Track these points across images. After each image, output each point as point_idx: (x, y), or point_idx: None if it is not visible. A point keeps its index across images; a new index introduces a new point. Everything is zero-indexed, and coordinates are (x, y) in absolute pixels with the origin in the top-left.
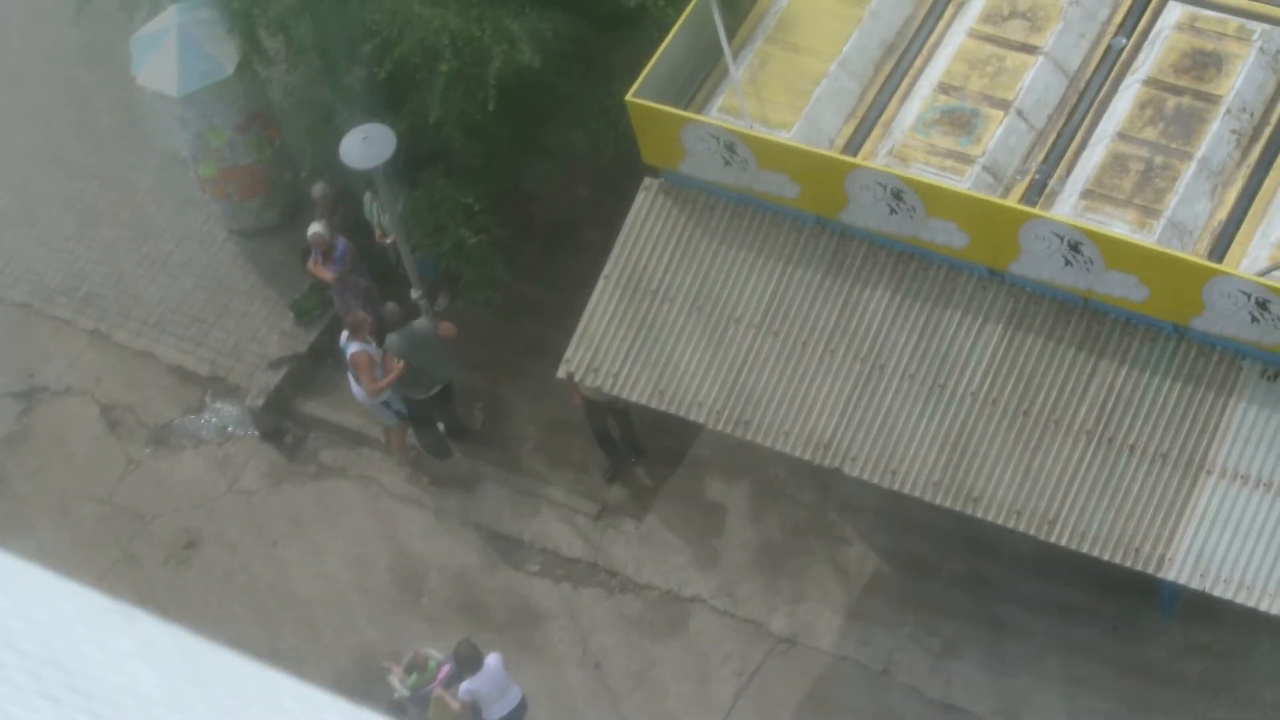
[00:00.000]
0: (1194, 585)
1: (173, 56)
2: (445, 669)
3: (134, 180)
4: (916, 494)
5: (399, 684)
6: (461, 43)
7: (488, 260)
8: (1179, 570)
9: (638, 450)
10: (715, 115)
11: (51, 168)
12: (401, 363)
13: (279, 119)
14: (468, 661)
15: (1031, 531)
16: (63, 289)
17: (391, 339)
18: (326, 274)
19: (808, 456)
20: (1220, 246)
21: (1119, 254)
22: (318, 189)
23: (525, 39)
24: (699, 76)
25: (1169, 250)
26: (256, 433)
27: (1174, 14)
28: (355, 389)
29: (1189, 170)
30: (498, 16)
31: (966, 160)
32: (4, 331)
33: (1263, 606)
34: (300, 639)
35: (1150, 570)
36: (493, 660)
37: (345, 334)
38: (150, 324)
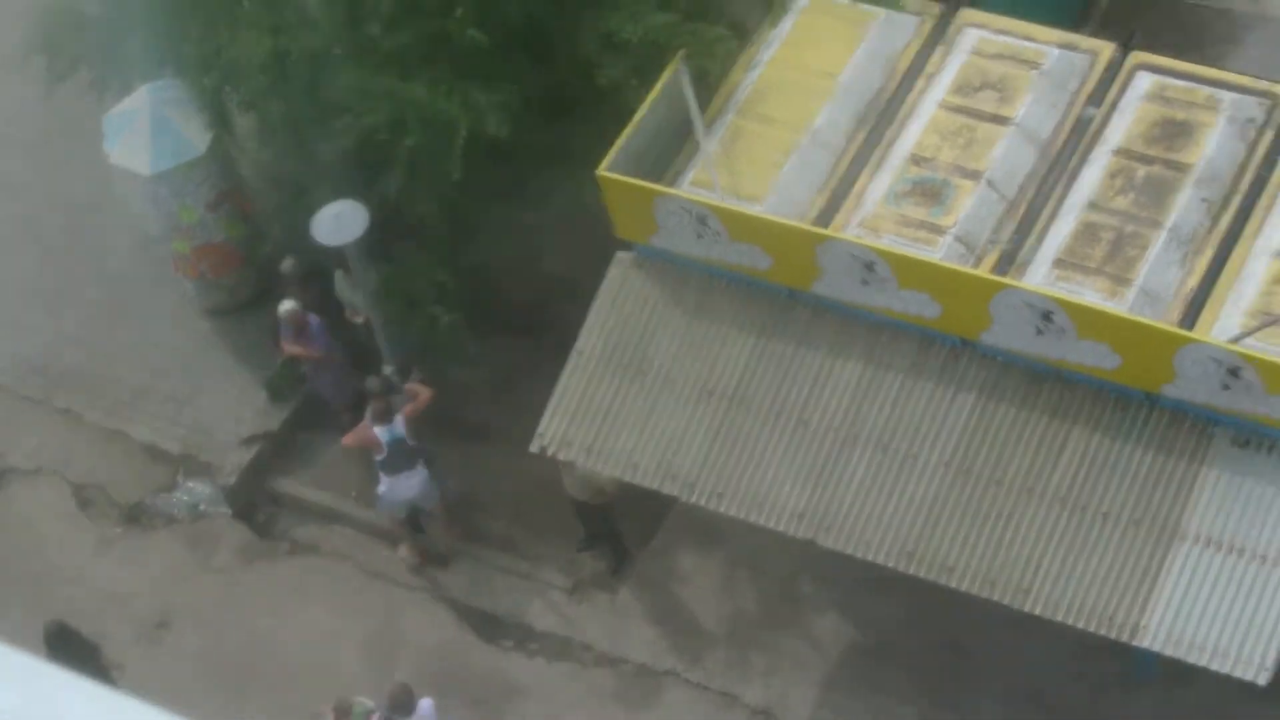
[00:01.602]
0: (1169, 652)
1: (145, 135)
2: (374, 718)
3: (106, 258)
4: (891, 564)
5: None
6: (428, 116)
7: (458, 337)
8: (1153, 638)
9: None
10: (687, 188)
11: (23, 244)
12: (429, 392)
13: (251, 196)
14: (401, 704)
15: (1006, 601)
16: (34, 368)
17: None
18: (312, 351)
19: (781, 528)
20: (1191, 314)
21: (1091, 322)
22: (286, 265)
23: (492, 110)
24: (671, 151)
25: (1141, 319)
26: (229, 511)
27: (1143, 84)
28: (383, 483)
29: (1160, 239)
30: (466, 89)
31: (938, 231)
32: None
33: (1237, 672)
34: (273, 716)
35: (1125, 638)
36: (425, 705)
37: (369, 416)
38: (123, 403)
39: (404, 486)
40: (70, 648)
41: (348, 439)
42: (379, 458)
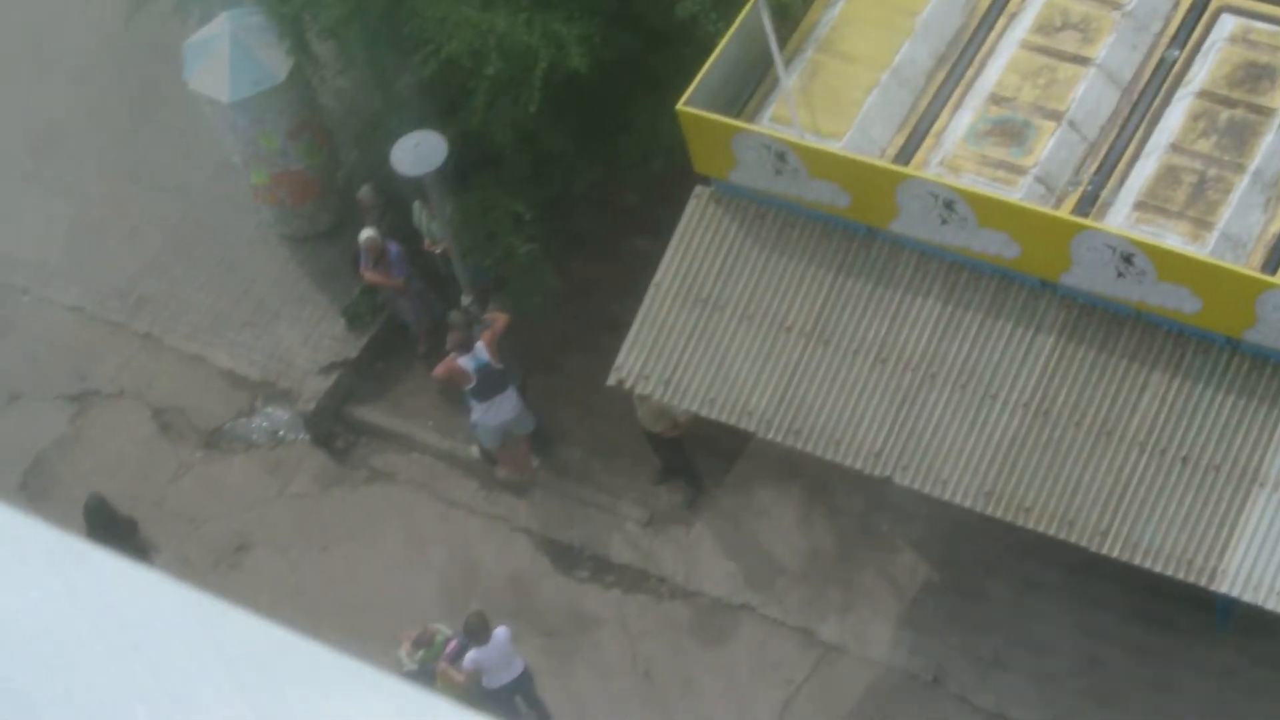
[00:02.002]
0: (1246, 598)
1: (224, 63)
2: (452, 644)
3: (187, 185)
4: (967, 504)
5: (407, 658)
6: (508, 46)
7: (537, 268)
8: (1231, 583)
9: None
10: (766, 124)
11: (107, 171)
12: (505, 317)
13: (330, 125)
14: (476, 632)
15: (1083, 543)
16: (116, 293)
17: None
18: (392, 279)
19: (858, 466)
20: (1274, 259)
21: (1172, 266)
22: (364, 192)
23: (573, 43)
24: (750, 86)
25: (1222, 263)
26: (307, 437)
27: (1227, 26)
28: (475, 411)
29: (1242, 183)
30: (546, 21)
31: (1019, 171)
32: (57, 335)
33: None
34: (348, 643)
35: (1202, 582)
36: (500, 632)
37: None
38: (202, 328)
39: (497, 410)
40: (107, 523)
41: (437, 370)
42: (468, 387)
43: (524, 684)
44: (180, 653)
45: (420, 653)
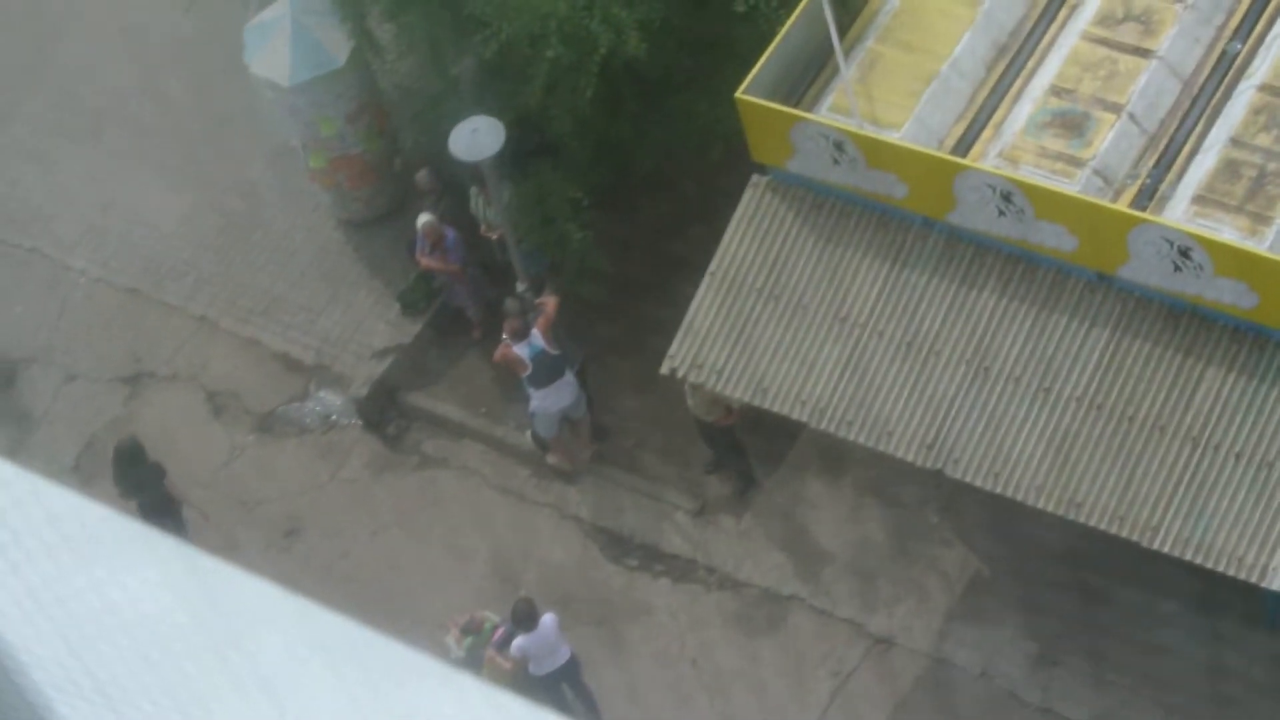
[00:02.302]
0: None
1: (285, 46)
2: (500, 631)
3: (245, 168)
4: (1020, 498)
5: (455, 645)
6: (568, 30)
7: (593, 255)
8: None
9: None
10: (825, 114)
11: (162, 154)
12: (554, 299)
13: (389, 109)
14: (524, 619)
15: (1134, 538)
16: (172, 275)
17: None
18: (449, 264)
19: (910, 458)
20: None
21: (1230, 260)
22: (421, 176)
23: (633, 28)
24: (809, 75)
25: None
26: (360, 422)
27: None
28: (533, 399)
29: None
30: (607, 5)
31: (1077, 163)
32: (113, 315)
33: None
34: (399, 628)
35: (1254, 580)
36: (548, 619)
37: (506, 336)
38: (257, 312)
39: (556, 397)
40: (137, 466)
41: (496, 355)
42: (525, 374)
43: (571, 672)
44: (276, 646)
45: (469, 640)
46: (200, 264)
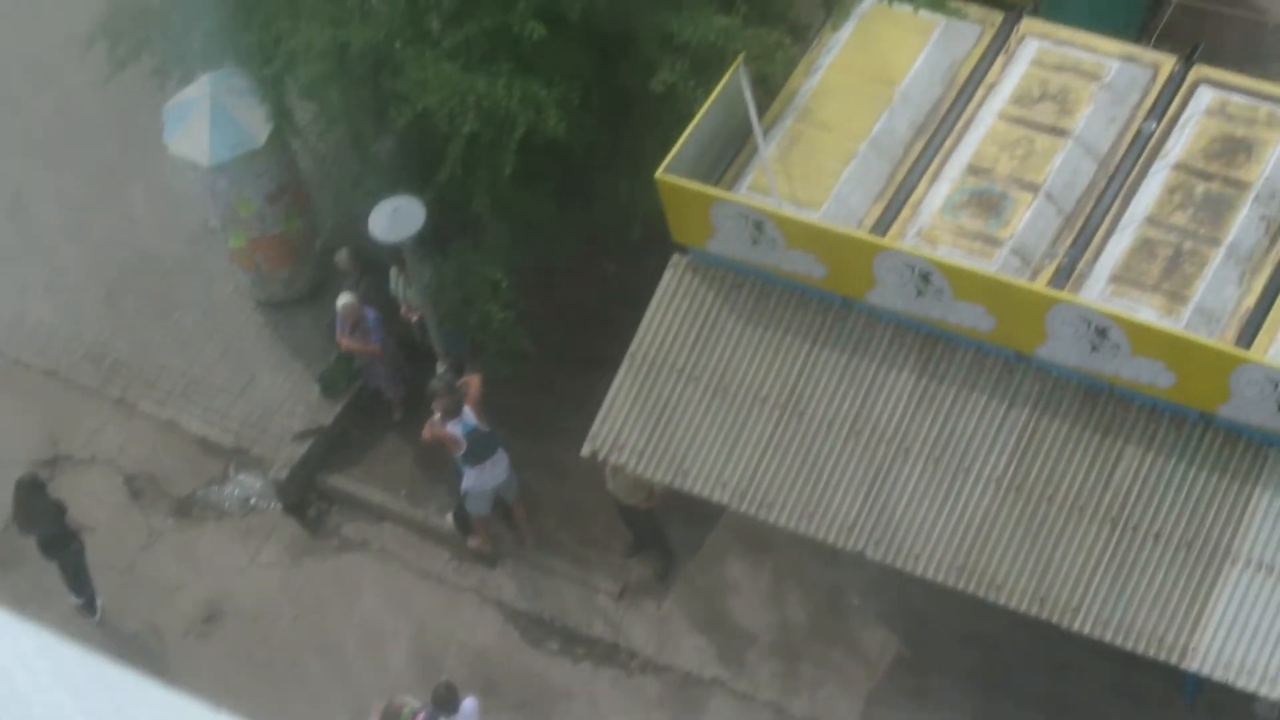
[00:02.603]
0: (1217, 677)
1: (204, 126)
2: (420, 716)
3: (162, 249)
4: (939, 579)
5: None
6: (486, 106)
7: (513, 336)
8: (1202, 661)
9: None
10: (744, 193)
11: (80, 235)
12: (477, 378)
13: (309, 190)
14: (445, 703)
15: (1054, 620)
16: (89, 357)
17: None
18: (368, 345)
19: (830, 539)
20: (1248, 334)
21: (1146, 340)
22: (341, 257)
23: (552, 106)
24: (729, 154)
25: (1196, 337)
26: (280, 505)
27: (1204, 99)
28: (467, 477)
29: (1217, 256)
30: (526, 84)
31: (995, 243)
32: (30, 399)
33: None
34: (319, 713)
35: (1174, 660)
36: (469, 704)
37: (438, 415)
38: (176, 394)
39: (490, 474)
40: (37, 501)
41: (425, 434)
42: (458, 453)
43: None
44: None
45: None
46: (118, 346)
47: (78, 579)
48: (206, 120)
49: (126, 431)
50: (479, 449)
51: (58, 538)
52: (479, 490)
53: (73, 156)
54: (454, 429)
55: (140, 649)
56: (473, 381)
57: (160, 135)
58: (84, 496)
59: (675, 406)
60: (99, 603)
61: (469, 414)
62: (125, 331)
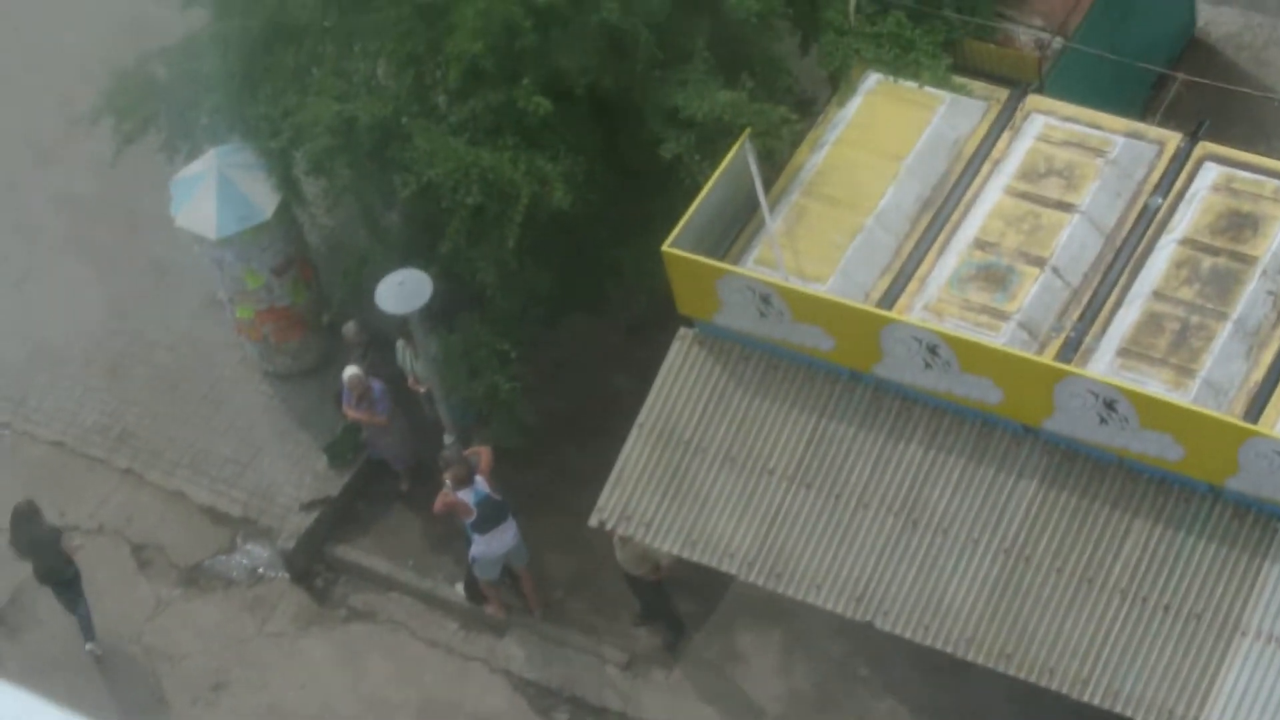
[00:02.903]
0: None
1: (211, 199)
2: None
3: (172, 320)
4: (949, 650)
5: None
6: (491, 178)
7: (519, 407)
8: None
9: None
10: (751, 267)
11: (89, 306)
12: (488, 449)
13: (316, 262)
14: None
15: (1064, 690)
16: (97, 428)
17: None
18: (375, 417)
19: (840, 610)
20: (1256, 407)
21: (1154, 413)
22: (349, 329)
23: (558, 179)
24: (735, 228)
25: (1205, 410)
26: (287, 575)
27: (1210, 175)
28: (476, 544)
29: (1225, 330)
30: (532, 157)
31: (1002, 316)
32: (37, 469)
33: None
34: None
35: None
36: None
37: (450, 483)
38: (183, 465)
39: (499, 542)
40: (33, 528)
41: (436, 506)
42: (469, 520)
43: None
44: None
45: None
46: (125, 416)
47: (75, 604)
48: (213, 194)
49: (134, 502)
50: (489, 516)
51: (54, 565)
52: (487, 557)
53: (83, 229)
54: (465, 496)
55: (149, 718)
56: (484, 452)
57: (167, 209)
58: (92, 566)
59: (683, 477)
60: (95, 642)
61: (481, 483)
62: (133, 403)
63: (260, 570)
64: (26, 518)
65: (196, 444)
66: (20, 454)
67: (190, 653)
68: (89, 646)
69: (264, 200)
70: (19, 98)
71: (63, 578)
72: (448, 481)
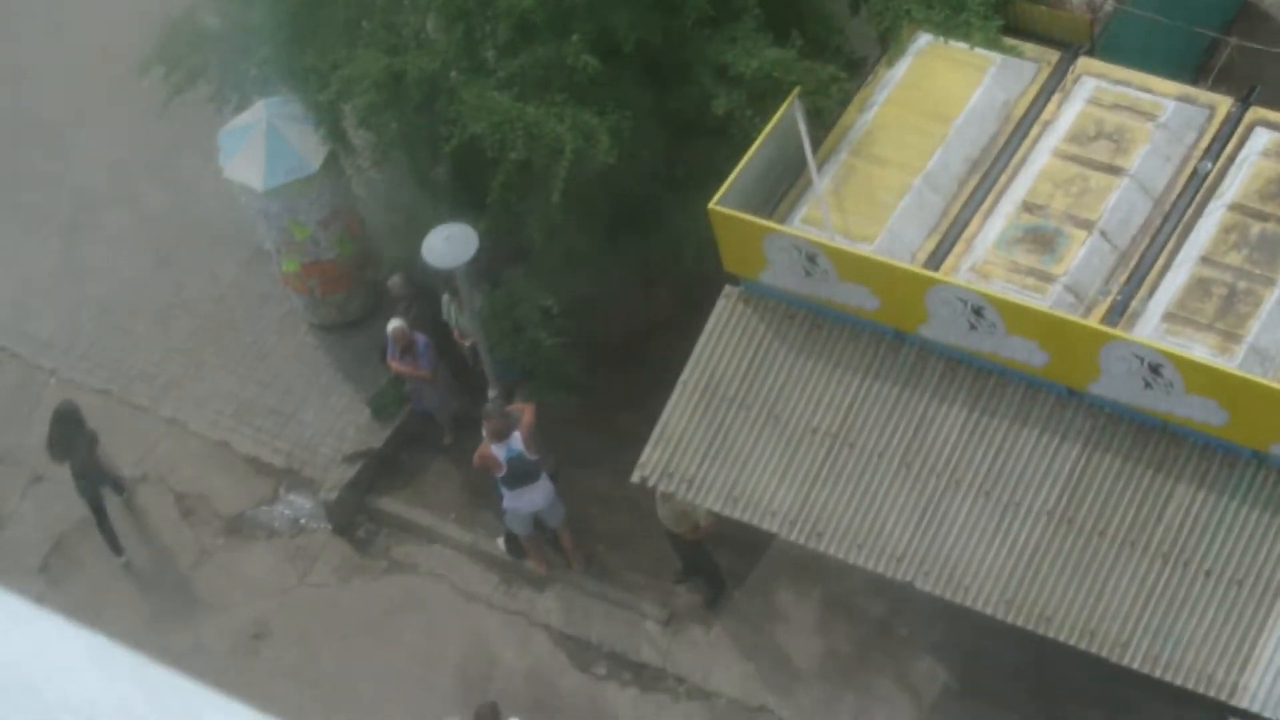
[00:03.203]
0: (1267, 714)
1: (260, 151)
2: None
3: (217, 271)
4: (989, 611)
5: None
6: (536, 132)
7: (563, 363)
8: (1253, 698)
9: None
10: (798, 226)
11: (136, 256)
12: (530, 406)
13: (362, 214)
14: None
15: (1103, 654)
16: (142, 377)
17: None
18: (418, 370)
19: (880, 569)
20: None
21: (1200, 378)
22: (394, 282)
23: (603, 132)
24: (782, 187)
25: (1250, 376)
26: (329, 526)
27: (1261, 140)
28: (506, 498)
29: (1272, 296)
30: (578, 112)
31: (1048, 279)
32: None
33: None
34: None
35: (1224, 697)
36: None
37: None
38: (227, 414)
39: (526, 500)
40: (73, 431)
41: (475, 460)
42: (499, 475)
43: None
44: None
45: None
46: (171, 366)
47: (101, 518)
48: (262, 145)
49: (178, 451)
50: (519, 474)
51: (90, 470)
52: (516, 513)
53: (130, 180)
54: (498, 451)
55: (188, 666)
56: (526, 409)
57: (215, 159)
58: (136, 514)
59: (726, 435)
60: (125, 555)
61: (517, 439)
62: (178, 352)
63: (302, 521)
64: (67, 420)
65: (241, 394)
66: None
67: (232, 602)
68: (121, 560)
69: (312, 153)
70: (65, 50)
71: (99, 482)
72: (485, 433)
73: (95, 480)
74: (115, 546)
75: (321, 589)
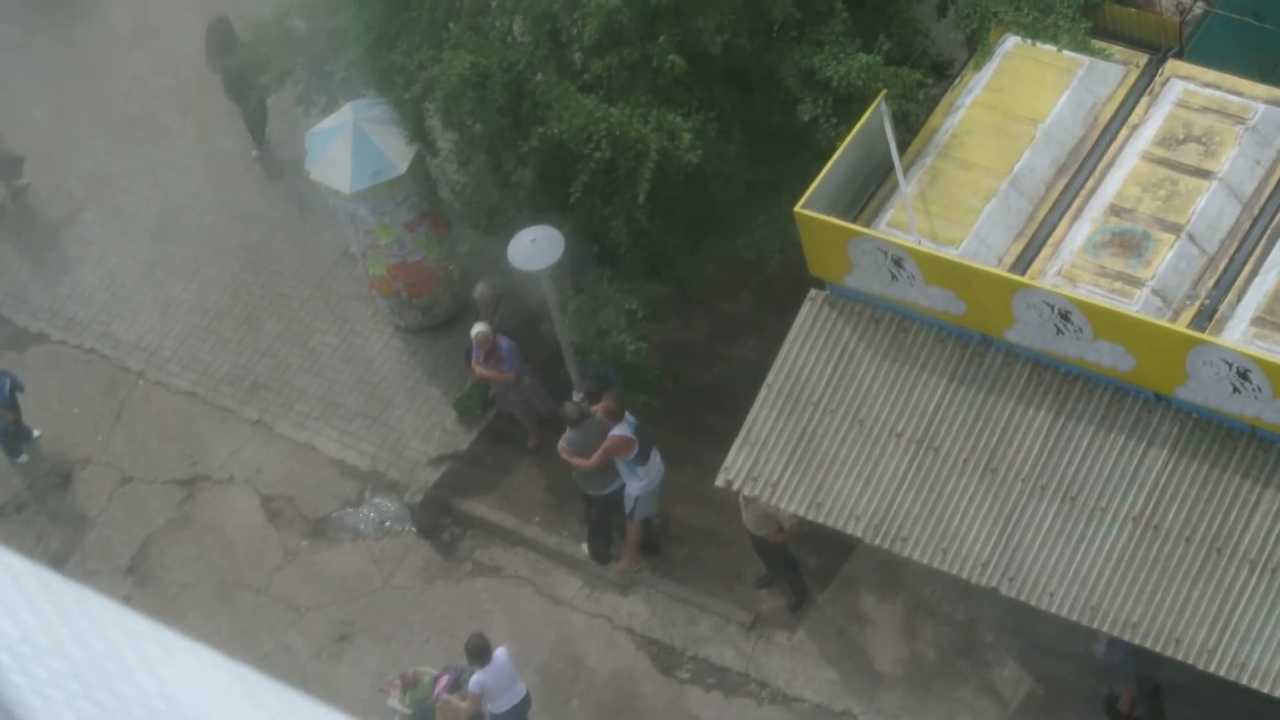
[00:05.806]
0: None
1: (347, 153)
2: (443, 680)
3: (304, 273)
4: (1074, 618)
5: (399, 704)
6: (619, 134)
7: (646, 366)
8: None
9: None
10: (883, 229)
11: (224, 257)
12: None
13: (448, 218)
14: (478, 653)
15: (1190, 660)
16: (229, 379)
17: (568, 436)
18: (502, 374)
19: (965, 575)
20: None
21: None
22: (479, 289)
23: (687, 132)
24: (868, 190)
25: None
26: (414, 529)
27: None
28: (639, 479)
29: None
30: (663, 114)
31: (1136, 283)
32: (170, 419)
33: None
34: None
35: None
36: (501, 653)
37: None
38: (313, 417)
39: (656, 468)
40: (228, 40)
41: (596, 458)
42: (632, 454)
43: (525, 709)
44: None
45: (409, 694)
46: (257, 368)
47: (256, 122)
48: (349, 148)
49: (264, 453)
50: (646, 444)
51: (242, 78)
52: (648, 492)
53: (218, 183)
54: (623, 430)
55: (273, 667)
56: (606, 407)
57: (302, 163)
58: (221, 516)
59: (810, 439)
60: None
61: (629, 415)
62: (265, 354)
63: (387, 523)
64: (222, 29)
65: (327, 397)
66: (153, 403)
67: (316, 604)
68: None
69: (398, 155)
70: (159, 52)
71: (251, 97)
72: (603, 417)
73: (250, 88)
74: (261, 143)
75: (406, 591)
